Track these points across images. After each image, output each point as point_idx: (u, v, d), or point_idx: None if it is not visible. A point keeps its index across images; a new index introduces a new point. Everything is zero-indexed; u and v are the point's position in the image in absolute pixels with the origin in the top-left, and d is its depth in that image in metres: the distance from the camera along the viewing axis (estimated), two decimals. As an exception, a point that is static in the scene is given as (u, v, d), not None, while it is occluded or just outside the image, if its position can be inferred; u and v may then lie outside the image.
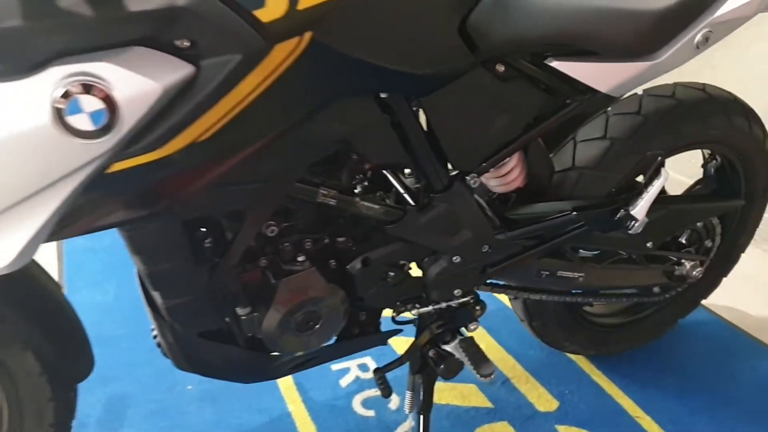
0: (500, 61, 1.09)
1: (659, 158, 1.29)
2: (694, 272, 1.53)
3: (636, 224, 1.25)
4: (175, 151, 0.79)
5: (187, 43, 0.75)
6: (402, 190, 1.17)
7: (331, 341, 1.28)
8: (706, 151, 1.60)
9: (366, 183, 1.19)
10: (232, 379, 1.18)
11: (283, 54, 0.79)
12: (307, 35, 0.79)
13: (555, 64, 1.12)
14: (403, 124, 1.05)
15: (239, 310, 1.10)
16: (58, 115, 0.72)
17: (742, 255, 1.74)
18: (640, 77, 1.15)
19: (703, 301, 1.86)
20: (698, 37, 1.13)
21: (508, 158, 1.29)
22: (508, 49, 1.08)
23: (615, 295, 1.54)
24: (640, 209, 1.25)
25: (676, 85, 1.44)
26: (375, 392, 1.62)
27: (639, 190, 1.27)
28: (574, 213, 1.26)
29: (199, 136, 0.80)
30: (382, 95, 0.99)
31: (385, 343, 1.32)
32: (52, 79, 0.72)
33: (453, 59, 1.03)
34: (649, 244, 1.41)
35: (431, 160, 1.10)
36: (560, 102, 1.18)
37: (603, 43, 1.11)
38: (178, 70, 0.75)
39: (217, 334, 1.12)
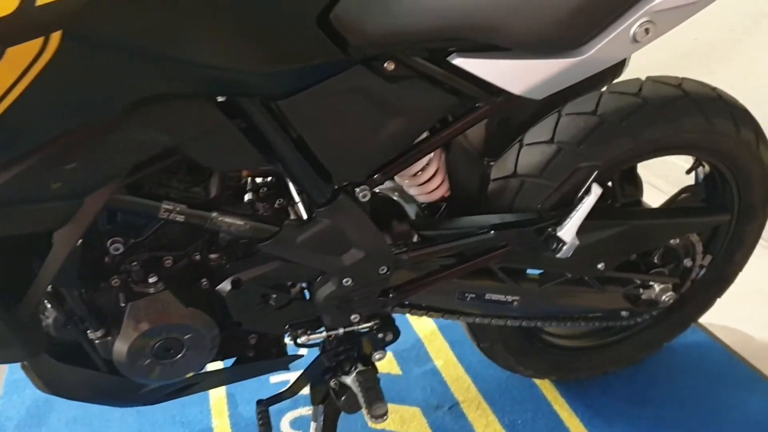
0: (390, 58, 0.93)
1: (595, 172, 1.10)
2: (664, 297, 1.33)
3: (564, 247, 1.07)
4: None
5: None
6: (298, 199, 1.03)
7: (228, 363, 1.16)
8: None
9: (264, 190, 1.07)
10: (98, 402, 1.08)
11: (24, 58, 0.65)
12: (56, 36, 0.65)
13: (458, 61, 0.94)
14: (262, 130, 0.90)
15: (91, 334, 0.99)
16: None
17: (762, 265, 1.52)
18: (563, 76, 0.96)
19: (701, 319, 1.65)
20: (635, 29, 0.94)
21: (426, 165, 1.14)
22: (393, 45, 0.91)
23: (571, 319, 1.35)
24: (567, 230, 1.06)
25: (647, 79, 1.24)
26: (308, 410, 1.49)
27: (569, 208, 1.08)
28: (492, 232, 1.08)
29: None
30: (220, 99, 0.85)
31: (287, 367, 1.18)
32: None
33: (311, 56, 0.86)
34: (600, 266, 1.22)
35: (306, 170, 0.95)
36: (469, 104, 1.01)
37: (511, 36, 0.92)
38: None
39: (73, 355, 1.02)
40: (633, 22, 0.93)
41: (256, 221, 0.97)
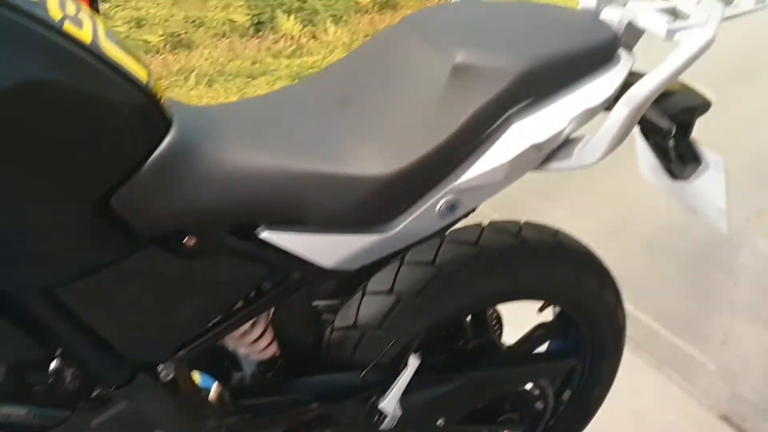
0: (190, 233, 0.89)
1: (416, 340, 1.08)
2: (512, 444, 1.30)
3: (386, 420, 1.03)
4: None
5: None
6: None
7: None
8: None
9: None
10: None
11: None
12: None
13: (266, 235, 0.91)
14: (39, 319, 0.84)
15: None
16: None
17: (644, 382, 1.51)
18: (373, 251, 0.95)
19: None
20: (441, 205, 0.93)
21: (252, 327, 1.10)
22: (190, 224, 0.88)
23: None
24: (388, 403, 1.03)
25: (488, 226, 1.23)
26: None
27: (392, 377, 1.05)
28: (315, 404, 1.04)
29: None
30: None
31: None
32: None
33: (89, 244, 0.82)
34: (440, 422, 1.18)
35: (97, 354, 0.90)
36: (282, 274, 0.98)
37: (315, 214, 0.91)
38: None
39: None
40: (438, 200, 0.93)
41: (44, 407, 0.91)
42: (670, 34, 0.94)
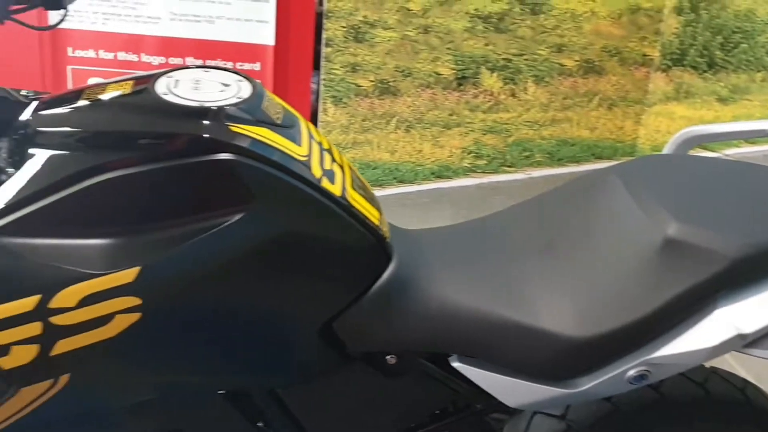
0: (392, 353, 0.99)
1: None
2: None
3: None
4: None
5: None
6: None
7: None
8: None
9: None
10: None
11: (33, 394, 0.76)
12: (63, 378, 0.76)
13: (457, 365, 0.99)
14: (262, 412, 0.98)
15: None
16: None
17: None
18: (555, 401, 1.00)
19: None
20: (632, 372, 0.96)
21: None
22: (393, 348, 0.98)
23: None
24: None
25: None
26: None
27: None
28: None
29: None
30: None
31: None
32: None
33: (309, 359, 0.95)
34: None
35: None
36: (464, 402, 1.05)
37: (504, 356, 0.97)
38: None
39: None
40: (630, 368, 0.95)
41: None
42: None
